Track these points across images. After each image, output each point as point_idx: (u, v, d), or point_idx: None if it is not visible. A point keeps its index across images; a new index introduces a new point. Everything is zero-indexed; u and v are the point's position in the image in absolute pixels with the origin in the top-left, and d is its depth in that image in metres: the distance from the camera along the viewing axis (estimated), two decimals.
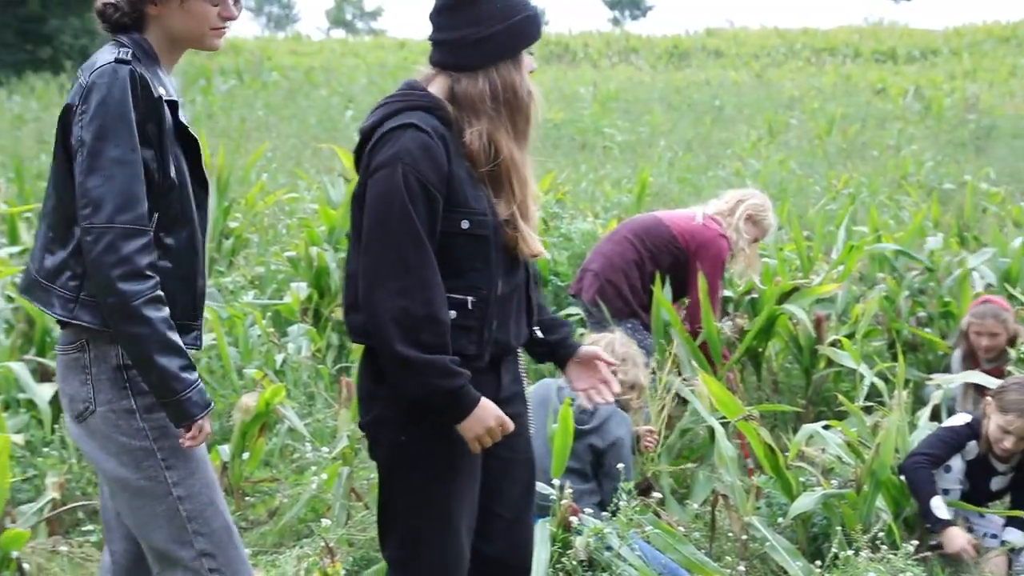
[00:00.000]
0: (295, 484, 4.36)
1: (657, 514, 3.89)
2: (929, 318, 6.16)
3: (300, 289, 6.06)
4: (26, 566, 3.68)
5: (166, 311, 2.46)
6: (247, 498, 4.41)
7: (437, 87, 2.60)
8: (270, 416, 4.36)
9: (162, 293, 2.46)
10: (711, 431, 4.34)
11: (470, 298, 2.57)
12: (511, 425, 2.59)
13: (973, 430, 4.08)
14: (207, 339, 4.97)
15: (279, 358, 5.21)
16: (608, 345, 4.11)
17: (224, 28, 2.63)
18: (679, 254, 5.14)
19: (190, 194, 2.59)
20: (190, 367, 2.49)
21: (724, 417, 4.13)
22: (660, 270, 5.10)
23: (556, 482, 3.67)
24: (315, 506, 4.20)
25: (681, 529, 3.87)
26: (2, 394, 4.68)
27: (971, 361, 5.12)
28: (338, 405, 4.70)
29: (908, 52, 29.15)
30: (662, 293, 5.00)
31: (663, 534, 3.61)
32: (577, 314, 5.65)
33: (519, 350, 2.80)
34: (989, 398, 4.07)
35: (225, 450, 4.30)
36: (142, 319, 2.42)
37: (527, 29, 2.59)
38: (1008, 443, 3.97)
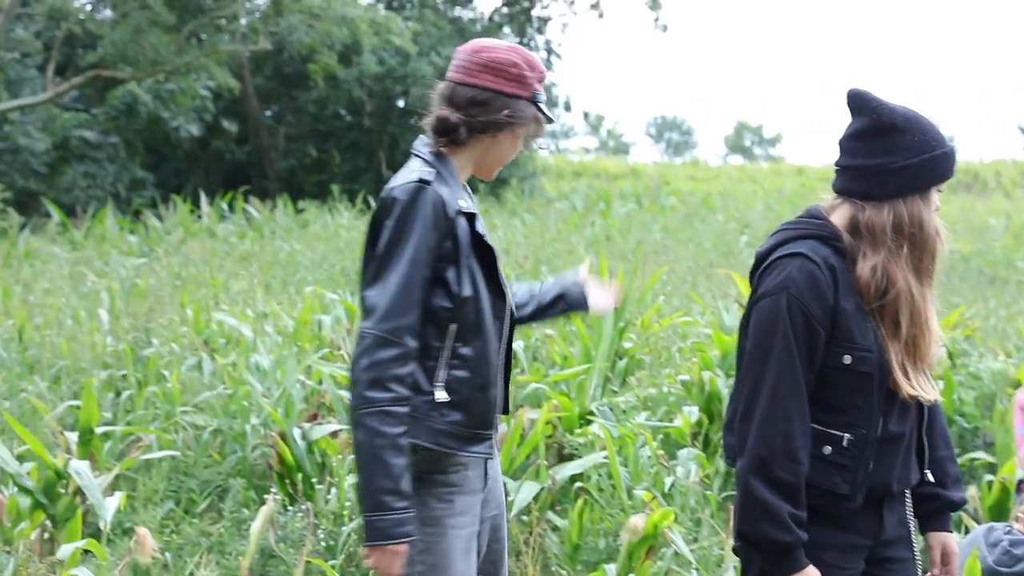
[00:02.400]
0: None
1: None
2: None
3: (691, 413, 6.05)
4: None
5: (397, 429, 2.53)
6: None
7: (839, 216, 2.55)
8: (657, 539, 4.36)
9: (399, 409, 2.53)
10: None
11: (847, 435, 2.49)
12: None
13: None
14: (598, 456, 5.08)
15: (668, 481, 5.21)
16: None
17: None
18: None
19: (485, 305, 2.68)
20: (397, 494, 2.53)
21: None
22: None
23: None
24: None
25: None
26: None
27: None
28: (725, 533, 4.63)
29: None
30: None
31: None
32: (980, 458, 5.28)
33: (907, 492, 2.66)
34: None
35: (611, 570, 4.33)
36: (364, 427, 2.53)
37: (943, 166, 2.51)
38: None
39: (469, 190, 2.83)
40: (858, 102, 2.54)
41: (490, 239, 2.73)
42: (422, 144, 2.79)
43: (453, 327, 2.64)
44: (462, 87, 2.72)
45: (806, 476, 2.48)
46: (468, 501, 2.73)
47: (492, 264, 2.72)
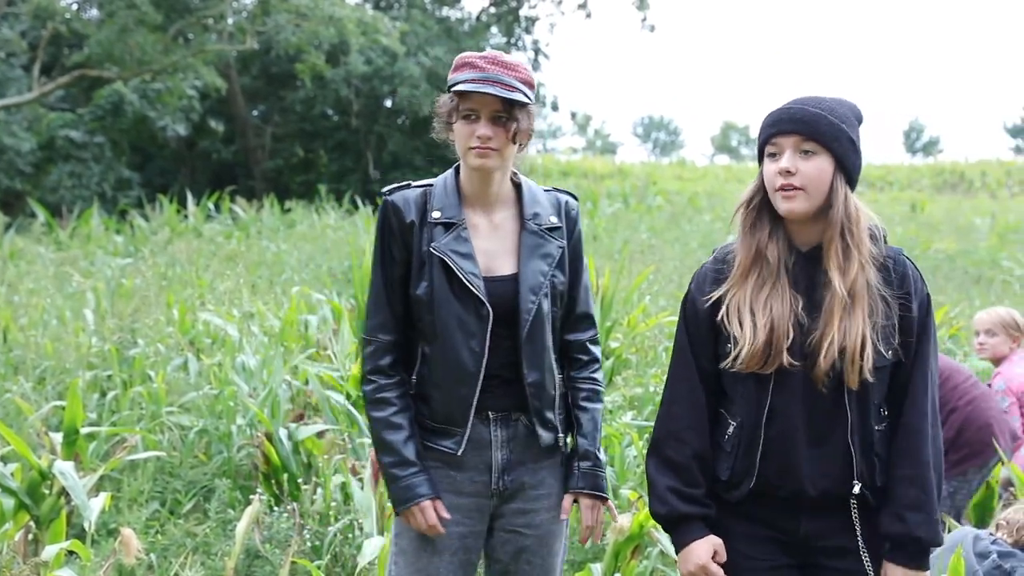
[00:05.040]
0: None
1: None
2: None
3: None
4: None
5: (387, 411, 2.77)
6: None
7: None
8: (643, 538, 4.37)
9: (386, 394, 2.78)
10: None
11: (732, 423, 2.56)
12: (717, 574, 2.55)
13: None
14: None
15: None
16: None
17: (480, 148, 2.70)
18: None
19: (444, 308, 2.74)
20: (401, 464, 2.75)
21: None
22: None
23: None
24: None
25: None
26: None
27: None
28: None
29: None
30: None
31: None
32: None
33: (851, 500, 2.50)
34: None
35: (597, 569, 4.33)
36: (367, 415, 2.82)
37: None
38: None
39: (482, 200, 2.82)
40: None
41: (445, 248, 2.74)
42: None
43: (420, 325, 2.80)
44: None
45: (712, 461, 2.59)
46: (451, 501, 2.80)
47: (451, 271, 2.74)
